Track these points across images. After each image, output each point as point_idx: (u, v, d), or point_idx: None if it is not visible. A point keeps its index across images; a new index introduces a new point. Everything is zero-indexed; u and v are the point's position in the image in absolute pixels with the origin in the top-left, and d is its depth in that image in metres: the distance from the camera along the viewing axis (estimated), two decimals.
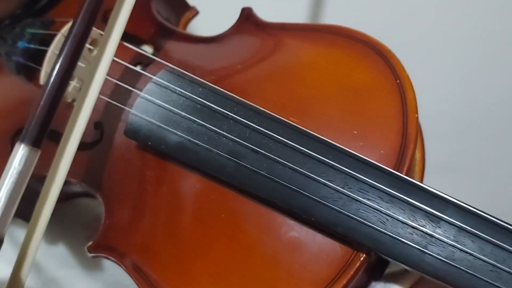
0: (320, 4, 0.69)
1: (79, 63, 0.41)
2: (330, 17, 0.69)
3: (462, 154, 0.63)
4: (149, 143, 0.39)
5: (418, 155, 0.40)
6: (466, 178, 0.62)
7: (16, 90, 0.51)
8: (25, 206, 0.50)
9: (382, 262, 0.36)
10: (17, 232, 0.60)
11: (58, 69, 0.36)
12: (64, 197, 0.51)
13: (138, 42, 0.49)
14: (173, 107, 0.39)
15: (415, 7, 0.62)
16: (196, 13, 0.57)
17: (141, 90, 0.41)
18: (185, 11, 0.57)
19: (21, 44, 0.48)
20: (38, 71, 0.48)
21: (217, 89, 0.39)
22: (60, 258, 0.61)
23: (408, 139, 0.35)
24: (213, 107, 0.38)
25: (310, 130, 0.36)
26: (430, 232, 0.31)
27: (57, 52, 0.45)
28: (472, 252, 0.30)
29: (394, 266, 0.37)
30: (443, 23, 0.62)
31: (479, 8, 0.60)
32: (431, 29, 0.62)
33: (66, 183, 0.41)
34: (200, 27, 0.61)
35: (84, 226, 0.60)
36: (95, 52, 0.46)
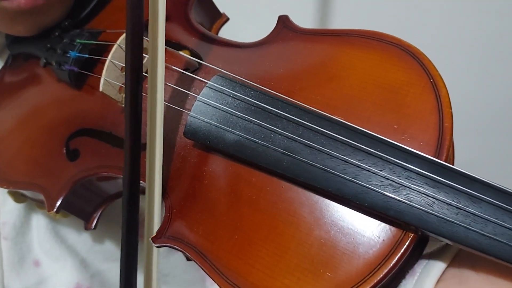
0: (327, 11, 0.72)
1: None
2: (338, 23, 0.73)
3: (485, 152, 0.67)
4: (208, 142, 0.43)
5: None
6: (488, 175, 0.66)
7: (66, 96, 0.55)
8: (85, 206, 0.54)
9: (421, 242, 0.41)
10: (69, 237, 0.63)
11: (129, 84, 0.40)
12: (118, 195, 0.55)
13: (179, 49, 0.53)
14: (230, 108, 0.43)
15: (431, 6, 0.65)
16: (226, 19, 0.61)
17: (195, 94, 0.45)
18: (217, 18, 0.61)
19: (73, 53, 0.52)
20: (92, 78, 0.51)
21: (268, 91, 0.44)
22: (104, 253, 0.65)
23: (445, 131, 0.39)
24: (267, 108, 0.42)
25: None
26: (473, 211, 0.35)
27: (114, 61, 0.49)
28: (511, 227, 0.34)
29: (431, 246, 0.42)
30: (457, 22, 0.65)
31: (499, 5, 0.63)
32: (444, 30, 0.66)
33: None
34: (227, 34, 0.65)
35: None
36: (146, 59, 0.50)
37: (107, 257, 0.64)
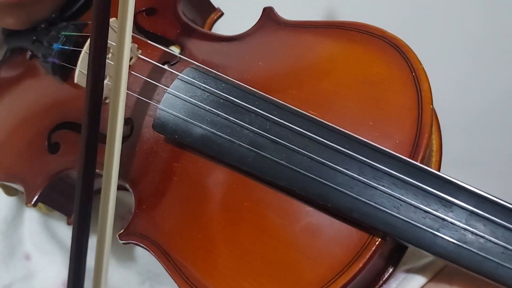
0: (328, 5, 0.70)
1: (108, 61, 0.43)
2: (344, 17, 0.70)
3: (480, 149, 0.63)
4: (176, 136, 0.41)
5: (435, 146, 0.41)
6: (483, 173, 0.63)
7: (52, 89, 0.55)
8: (65, 201, 0.54)
9: (399, 248, 0.37)
10: (59, 231, 0.63)
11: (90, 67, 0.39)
12: (98, 190, 0.54)
13: (166, 43, 0.52)
14: (198, 101, 0.41)
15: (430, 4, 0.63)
16: (221, 14, 0.59)
17: (168, 87, 0.43)
18: (210, 13, 0.59)
19: (56, 46, 0.51)
20: (73, 70, 0.51)
21: (239, 84, 0.42)
22: (94, 249, 0.64)
23: (423, 129, 0.36)
24: (236, 101, 0.40)
25: (328, 121, 0.38)
26: (442, 216, 0.32)
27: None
28: (483, 235, 0.31)
29: (415, 261, 0.38)
30: (457, 19, 0.62)
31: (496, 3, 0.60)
32: (447, 25, 0.63)
33: (99, 176, 0.43)
34: (222, 27, 0.64)
35: (117, 218, 0.62)
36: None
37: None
